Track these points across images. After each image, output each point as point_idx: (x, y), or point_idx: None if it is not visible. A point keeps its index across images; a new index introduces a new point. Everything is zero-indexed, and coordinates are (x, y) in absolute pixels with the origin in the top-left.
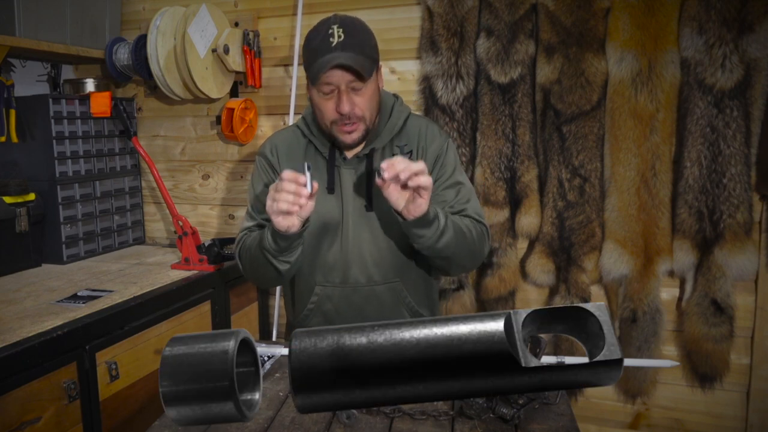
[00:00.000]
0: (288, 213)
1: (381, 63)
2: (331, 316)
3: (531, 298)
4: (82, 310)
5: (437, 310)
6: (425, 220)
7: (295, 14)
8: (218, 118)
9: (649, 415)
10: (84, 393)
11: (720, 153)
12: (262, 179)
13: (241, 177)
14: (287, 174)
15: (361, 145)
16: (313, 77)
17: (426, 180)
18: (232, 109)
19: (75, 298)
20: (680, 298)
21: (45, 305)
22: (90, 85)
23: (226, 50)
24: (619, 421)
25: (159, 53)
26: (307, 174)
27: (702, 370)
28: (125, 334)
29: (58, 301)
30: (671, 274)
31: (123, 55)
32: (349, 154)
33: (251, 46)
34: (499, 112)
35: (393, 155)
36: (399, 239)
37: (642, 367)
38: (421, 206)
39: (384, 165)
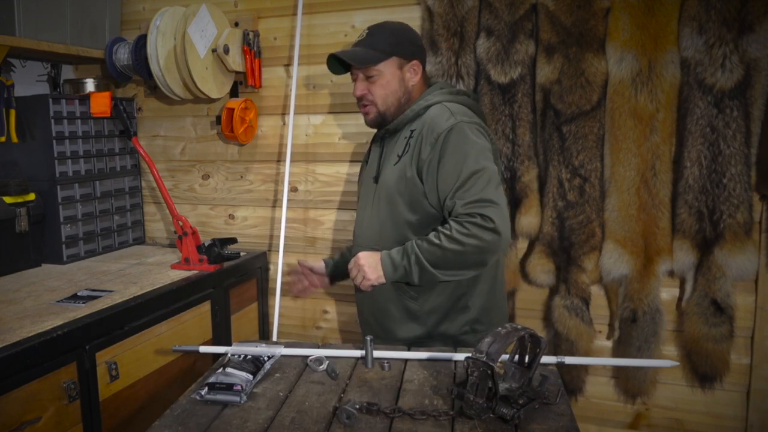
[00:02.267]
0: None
1: (406, 60)
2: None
3: (531, 298)
4: (82, 310)
5: (448, 302)
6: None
7: (295, 14)
8: (218, 118)
9: (649, 415)
10: (84, 393)
11: (720, 153)
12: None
13: (241, 177)
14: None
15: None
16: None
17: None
18: (232, 109)
19: (75, 298)
20: (680, 298)
21: (45, 305)
22: (90, 85)
23: (226, 50)
24: (619, 421)
25: (159, 53)
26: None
27: (702, 370)
28: (125, 334)
29: (58, 301)
30: (671, 274)
31: (123, 55)
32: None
33: (251, 46)
34: (499, 112)
35: (404, 138)
36: (388, 214)
37: (642, 367)
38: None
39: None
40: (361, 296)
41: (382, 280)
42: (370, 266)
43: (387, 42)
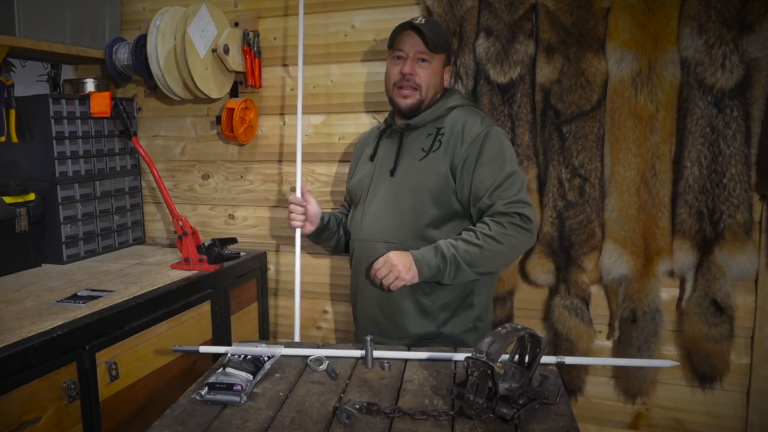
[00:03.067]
0: (301, 227)
1: (447, 62)
2: (355, 265)
3: (531, 298)
4: (82, 310)
5: (459, 297)
6: (424, 279)
7: (294, 14)
8: (218, 118)
9: (649, 415)
10: (84, 393)
11: (720, 153)
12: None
13: (241, 177)
14: (294, 199)
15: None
16: (390, 41)
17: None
18: (232, 109)
19: (75, 298)
20: (680, 298)
21: (45, 305)
22: (90, 85)
23: (226, 50)
24: (619, 421)
25: (159, 53)
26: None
27: (702, 370)
28: (125, 334)
29: (58, 301)
30: (671, 274)
31: (123, 55)
32: (399, 122)
33: (251, 46)
34: (498, 112)
35: (428, 135)
36: (409, 208)
37: (642, 367)
38: (397, 283)
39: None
40: (363, 291)
41: (416, 279)
42: (404, 266)
43: (444, 39)
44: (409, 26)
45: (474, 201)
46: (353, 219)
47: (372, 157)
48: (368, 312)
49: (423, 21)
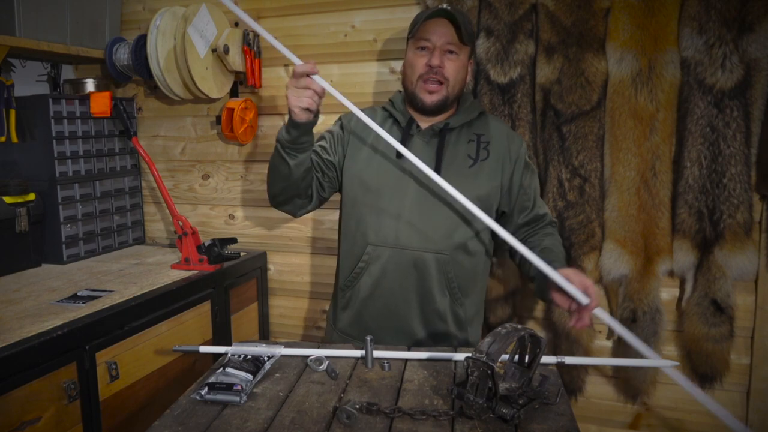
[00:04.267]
0: (308, 110)
1: (470, 56)
2: (378, 278)
3: (531, 298)
4: (82, 310)
5: (481, 304)
6: None
7: (295, 14)
8: (218, 118)
9: (649, 415)
10: (84, 393)
11: (720, 153)
12: (328, 134)
13: (241, 177)
14: (303, 68)
15: (438, 117)
16: (412, 28)
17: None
18: (232, 109)
19: (75, 298)
20: (680, 298)
21: (45, 305)
22: (90, 85)
23: (226, 50)
24: (619, 421)
25: (159, 53)
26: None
27: (702, 370)
28: (125, 334)
29: (58, 301)
30: (671, 274)
31: (123, 55)
32: (424, 125)
33: (251, 46)
34: (498, 112)
35: (469, 141)
36: (462, 217)
37: (642, 367)
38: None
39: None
40: (395, 304)
41: None
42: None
43: (472, 29)
44: (443, 13)
45: (520, 211)
46: (379, 221)
47: (398, 153)
48: (398, 324)
49: (450, 7)
